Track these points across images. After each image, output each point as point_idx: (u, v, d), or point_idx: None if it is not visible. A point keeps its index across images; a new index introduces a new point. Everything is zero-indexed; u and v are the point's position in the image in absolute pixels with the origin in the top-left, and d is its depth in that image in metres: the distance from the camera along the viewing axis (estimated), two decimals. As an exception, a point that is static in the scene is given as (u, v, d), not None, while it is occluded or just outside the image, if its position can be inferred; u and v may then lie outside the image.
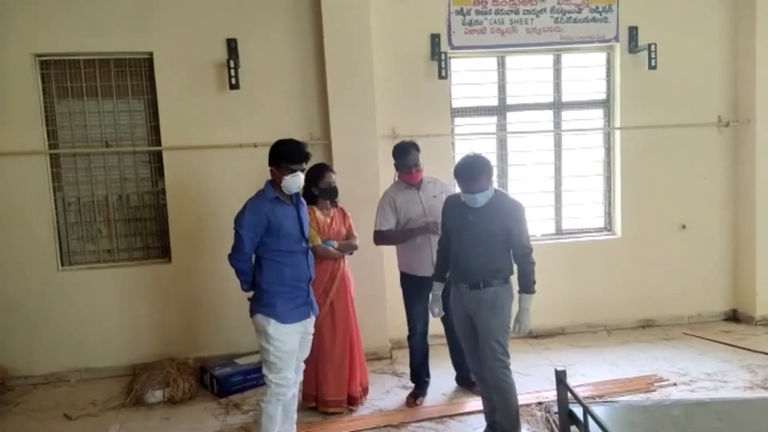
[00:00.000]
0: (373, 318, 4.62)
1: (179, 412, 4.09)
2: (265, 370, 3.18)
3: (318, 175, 3.81)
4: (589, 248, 5.31)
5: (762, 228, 5.23)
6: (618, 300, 5.31)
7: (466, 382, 4.17)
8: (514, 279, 3.28)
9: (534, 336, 5.13)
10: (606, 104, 5.35)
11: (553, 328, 5.26)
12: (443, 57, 4.80)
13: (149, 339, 4.77)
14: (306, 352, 3.39)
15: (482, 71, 5.19)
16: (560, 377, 3.08)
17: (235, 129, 4.72)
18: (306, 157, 3.21)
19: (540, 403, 3.85)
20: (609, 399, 3.91)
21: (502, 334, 3.19)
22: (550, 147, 5.32)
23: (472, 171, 3.12)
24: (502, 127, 5.23)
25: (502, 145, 5.24)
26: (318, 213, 3.81)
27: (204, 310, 4.81)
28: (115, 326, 4.76)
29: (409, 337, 4.09)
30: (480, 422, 3.63)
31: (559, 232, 5.41)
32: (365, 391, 4.11)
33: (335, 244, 3.85)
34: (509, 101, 5.22)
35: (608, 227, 5.47)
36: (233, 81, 4.55)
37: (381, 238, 3.95)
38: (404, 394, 4.16)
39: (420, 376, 4.12)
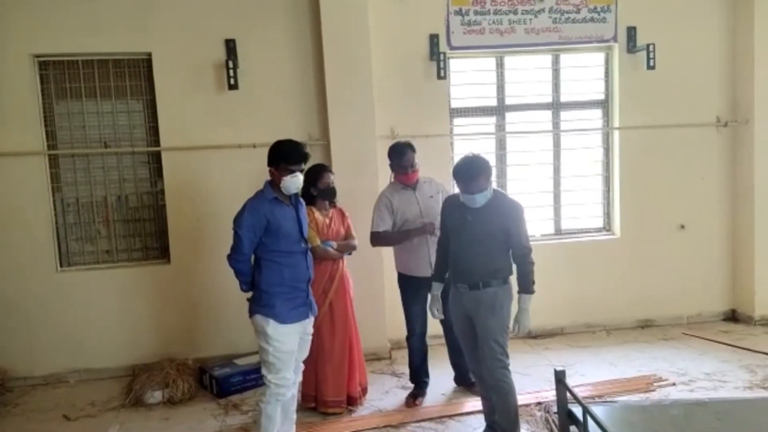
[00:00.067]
0: (372, 318, 4.62)
1: (178, 413, 4.08)
2: (264, 371, 3.18)
3: (316, 175, 3.81)
4: (588, 248, 5.31)
5: (761, 228, 5.24)
6: (617, 300, 5.32)
7: (464, 382, 4.17)
8: (513, 279, 3.28)
9: (533, 336, 5.14)
10: (605, 104, 5.35)
11: (553, 328, 5.27)
12: (442, 57, 4.80)
13: (148, 339, 4.77)
14: (305, 353, 3.39)
15: (481, 71, 5.19)
16: (559, 377, 3.07)
17: (234, 129, 4.71)
18: (305, 157, 3.21)
19: (539, 403, 3.85)
20: (608, 399, 3.91)
21: (501, 335, 3.20)
22: (549, 147, 5.32)
23: (470, 171, 3.12)
24: (500, 128, 5.23)
25: (501, 146, 5.25)
26: (317, 213, 3.81)
27: (203, 310, 4.81)
28: (114, 327, 4.76)
29: (408, 338, 4.09)
30: (479, 422, 3.63)
31: (558, 232, 5.41)
32: (364, 391, 4.11)
33: (334, 244, 3.85)
34: (508, 101, 5.22)
35: (607, 227, 5.48)
36: (232, 81, 4.55)
37: (378, 239, 3.95)
38: (403, 394, 4.16)
39: (419, 377, 4.12)
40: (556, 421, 3.39)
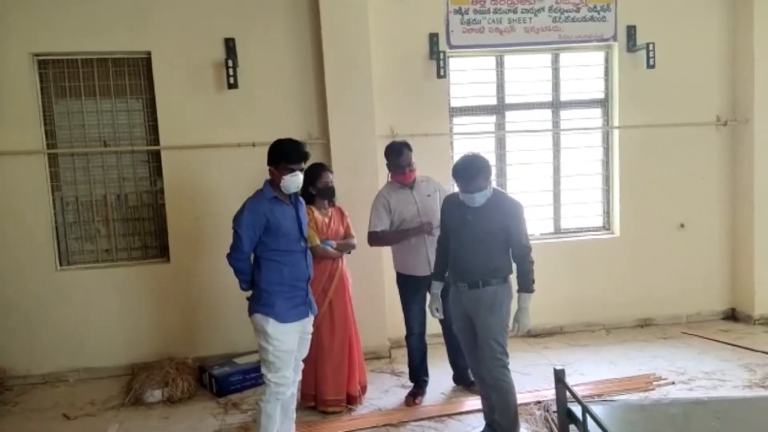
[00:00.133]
0: (371, 317, 4.62)
1: (178, 412, 4.08)
2: (263, 370, 3.18)
3: (315, 175, 3.80)
4: (587, 247, 5.32)
5: (760, 227, 5.24)
6: (617, 299, 5.32)
7: (463, 381, 4.17)
8: (513, 278, 3.28)
9: (533, 335, 5.14)
10: (604, 103, 5.35)
11: (552, 327, 5.27)
12: (442, 56, 4.80)
13: (148, 338, 4.77)
14: (305, 352, 3.39)
15: (481, 70, 5.19)
16: (559, 376, 3.08)
17: (234, 128, 4.71)
18: (305, 156, 3.21)
19: (539, 402, 3.85)
20: (608, 398, 3.91)
21: (500, 334, 3.20)
22: (548, 146, 5.32)
23: (470, 171, 3.12)
24: (500, 127, 5.23)
25: (500, 145, 5.25)
26: (316, 213, 3.81)
27: (203, 309, 4.81)
28: (113, 326, 4.75)
29: (407, 337, 4.09)
30: (479, 421, 3.63)
31: (558, 231, 5.41)
32: (364, 390, 4.11)
33: (334, 243, 3.85)
34: (508, 100, 5.22)
35: (607, 226, 5.48)
36: (232, 80, 4.55)
37: (375, 239, 3.95)
38: (403, 393, 4.16)
39: (419, 376, 4.12)
40: (556, 420, 3.39)
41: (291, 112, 4.78)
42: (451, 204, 3.35)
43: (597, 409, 3.08)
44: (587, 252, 5.29)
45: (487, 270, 3.19)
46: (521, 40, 5.06)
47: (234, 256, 3.15)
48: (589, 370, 4.44)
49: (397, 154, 3.88)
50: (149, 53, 4.64)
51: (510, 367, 3.23)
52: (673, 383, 4.14)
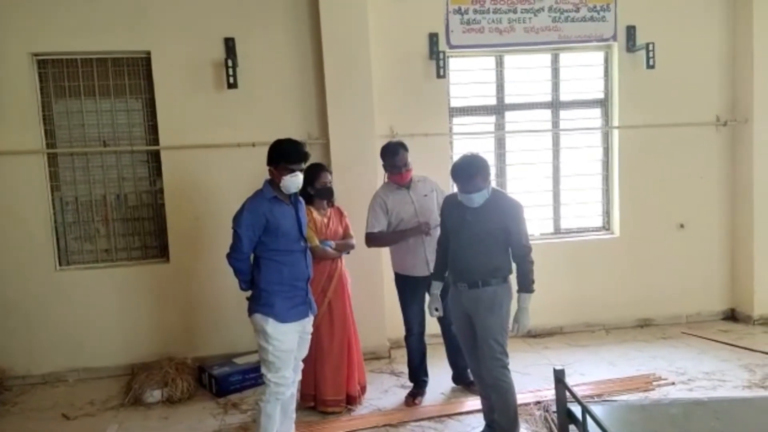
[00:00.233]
0: (371, 317, 4.62)
1: (178, 412, 4.08)
2: (263, 370, 3.17)
3: (314, 175, 3.79)
4: (587, 247, 5.32)
5: (760, 227, 5.24)
6: (616, 299, 5.32)
7: (463, 381, 4.17)
8: (512, 278, 3.28)
9: (532, 335, 5.14)
10: (604, 103, 5.35)
11: (552, 327, 5.27)
12: (441, 56, 4.80)
13: (147, 339, 4.77)
14: (304, 352, 3.38)
15: (480, 70, 5.19)
16: (559, 376, 3.08)
17: (233, 128, 4.71)
18: (305, 156, 3.21)
19: (538, 403, 3.85)
20: (607, 398, 3.91)
21: (500, 334, 3.19)
22: (548, 146, 5.32)
23: (468, 171, 3.12)
24: (500, 127, 5.23)
25: (500, 145, 5.24)
26: (315, 213, 3.81)
27: (202, 309, 4.81)
28: (113, 326, 4.75)
29: (406, 337, 4.09)
30: (479, 421, 3.63)
31: (558, 231, 5.41)
32: (363, 390, 4.11)
33: (333, 244, 3.85)
34: (507, 100, 5.22)
35: (606, 226, 5.48)
36: (231, 80, 4.55)
37: (373, 240, 3.94)
38: (403, 393, 4.15)
39: (418, 376, 4.12)
40: (556, 420, 3.39)
41: (291, 111, 4.78)
42: (450, 204, 3.35)
43: (597, 409, 3.08)
44: (587, 252, 5.29)
45: (486, 270, 3.19)
46: (521, 40, 5.06)
47: (234, 256, 3.15)
48: (589, 370, 4.44)
49: (392, 154, 3.88)
50: (149, 53, 4.63)
51: (510, 367, 3.23)
52: (673, 383, 4.14)
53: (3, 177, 4.56)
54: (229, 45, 4.63)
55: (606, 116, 5.36)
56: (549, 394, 3.76)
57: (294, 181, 3.13)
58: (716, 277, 5.47)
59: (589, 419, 2.77)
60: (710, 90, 5.30)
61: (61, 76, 4.64)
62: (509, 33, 5.03)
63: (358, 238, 3.99)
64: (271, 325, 3.10)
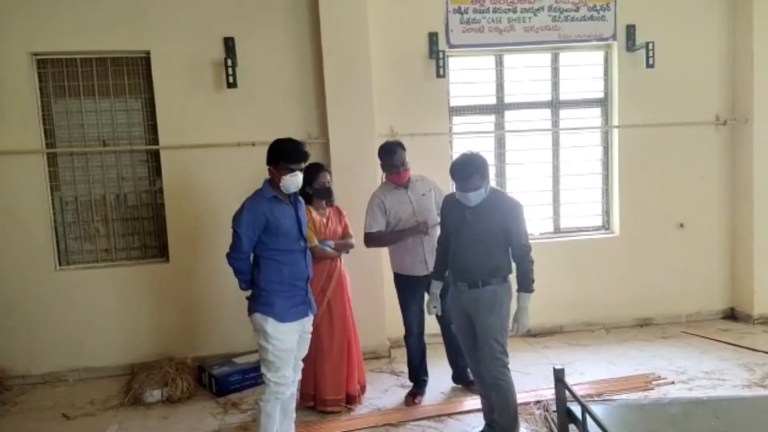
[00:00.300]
0: (371, 317, 4.62)
1: (178, 412, 4.08)
2: (263, 369, 3.18)
3: (312, 175, 3.78)
4: (587, 247, 5.31)
5: (759, 226, 5.24)
6: (616, 298, 5.32)
7: (462, 381, 4.17)
8: (512, 278, 3.28)
9: (532, 334, 5.14)
10: (604, 103, 5.35)
11: (552, 326, 5.27)
12: (441, 55, 4.80)
13: (147, 338, 4.76)
14: (304, 351, 3.39)
15: (480, 70, 5.19)
16: (558, 376, 3.08)
17: (233, 128, 4.71)
18: (305, 156, 3.20)
19: (538, 402, 3.85)
20: (607, 397, 3.91)
21: (500, 333, 3.19)
22: (548, 145, 5.32)
23: (467, 169, 3.12)
24: (500, 126, 5.23)
25: (500, 144, 5.24)
26: (314, 213, 3.81)
27: (202, 309, 4.81)
28: (113, 326, 4.75)
29: (406, 337, 4.09)
30: (479, 421, 3.63)
31: (558, 230, 5.41)
32: (363, 389, 4.11)
33: (332, 244, 3.85)
34: (507, 100, 5.22)
35: (606, 226, 5.48)
36: (231, 80, 4.54)
37: (371, 240, 3.94)
38: (403, 392, 4.16)
39: (418, 375, 4.12)
40: (555, 420, 3.39)
41: (290, 111, 4.78)
42: (450, 204, 3.34)
43: (596, 408, 3.08)
44: (587, 251, 5.29)
45: (486, 269, 3.19)
46: (521, 39, 5.05)
47: (233, 256, 3.15)
48: (589, 369, 4.44)
49: (390, 154, 3.87)
50: (148, 52, 4.63)
51: (510, 366, 3.23)
52: (673, 383, 4.15)
53: (3, 177, 4.56)
54: (229, 44, 4.62)
55: (606, 116, 5.36)
56: (549, 393, 3.76)
57: (294, 180, 3.13)
58: (716, 277, 5.47)
59: (588, 418, 2.77)
60: (710, 89, 5.30)
61: (60, 75, 4.64)
62: (509, 32, 5.03)
63: (357, 238, 3.99)
64: (271, 325, 3.11)
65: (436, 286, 3.51)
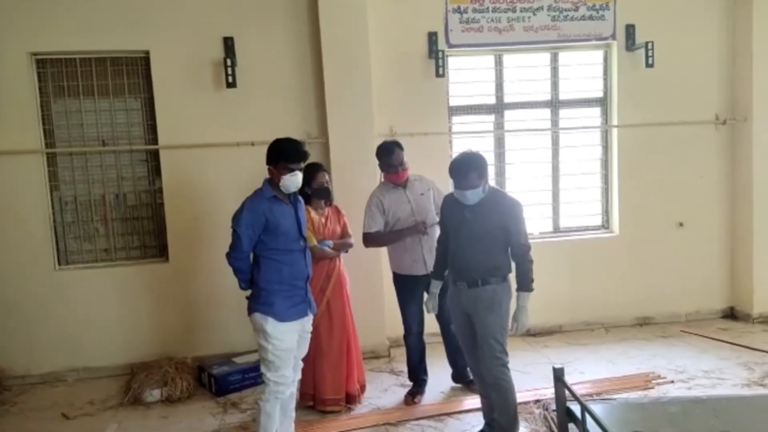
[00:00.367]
0: (371, 316, 4.62)
1: (177, 411, 4.08)
2: (263, 369, 3.18)
3: (311, 175, 3.77)
4: (586, 246, 5.32)
5: (759, 226, 5.24)
6: (616, 298, 5.32)
7: (462, 380, 4.18)
8: (512, 277, 3.28)
9: (532, 334, 5.14)
10: (603, 102, 5.35)
11: (551, 325, 5.27)
12: (440, 55, 4.80)
13: (147, 338, 4.76)
14: (304, 351, 3.39)
15: (479, 69, 5.19)
16: (558, 375, 3.08)
17: (233, 127, 4.71)
18: (304, 156, 3.21)
19: (538, 401, 3.85)
20: (607, 396, 3.91)
21: (500, 332, 3.19)
22: (547, 145, 5.32)
23: (464, 167, 3.12)
24: (499, 126, 5.23)
25: (499, 144, 5.24)
26: (312, 213, 3.81)
27: (202, 308, 4.81)
28: (112, 325, 4.75)
29: (405, 337, 4.09)
30: (478, 420, 3.63)
31: (557, 230, 5.42)
32: (363, 389, 4.11)
33: (331, 243, 3.85)
34: (506, 99, 5.22)
35: (606, 225, 5.48)
36: (230, 79, 4.54)
37: (370, 240, 3.94)
38: (402, 392, 4.16)
39: (418, 375, 4.12)
40: (555, 419, 3.39)
41: (290, 111, 4.78)
42: (450, 203, 3.34)
43: (596, 407, 3.07)
44: (586, 251, 5.29)
45: (486, 269, 3.19)
46: (520, 39, 5.06)
47: (233, 256, 3.15)
48: (589, 368, 4.44)
49: (388, 153, 3.87)
50: (148, 52, 4.63)
51: (509, 365, 3.23)
52: (672, 382, 4.15)
53: (2, 177, 4.56)
54: (228, 44, 4.62)
55: (605, 115, 5.36)
56: (548, 392, 3.76)
57: (293, 180, 3.13)
58: (715, 276, 5.47)
59: (588, 418, 2.77)
60: (710, 89, 5.30)
61: (60, 75, 4.64)
62: (508, 32, 5.03)
63: (357, 238, 3.99)
64: (271, 324, 3.11)
65: (436, 286, 3.51)
